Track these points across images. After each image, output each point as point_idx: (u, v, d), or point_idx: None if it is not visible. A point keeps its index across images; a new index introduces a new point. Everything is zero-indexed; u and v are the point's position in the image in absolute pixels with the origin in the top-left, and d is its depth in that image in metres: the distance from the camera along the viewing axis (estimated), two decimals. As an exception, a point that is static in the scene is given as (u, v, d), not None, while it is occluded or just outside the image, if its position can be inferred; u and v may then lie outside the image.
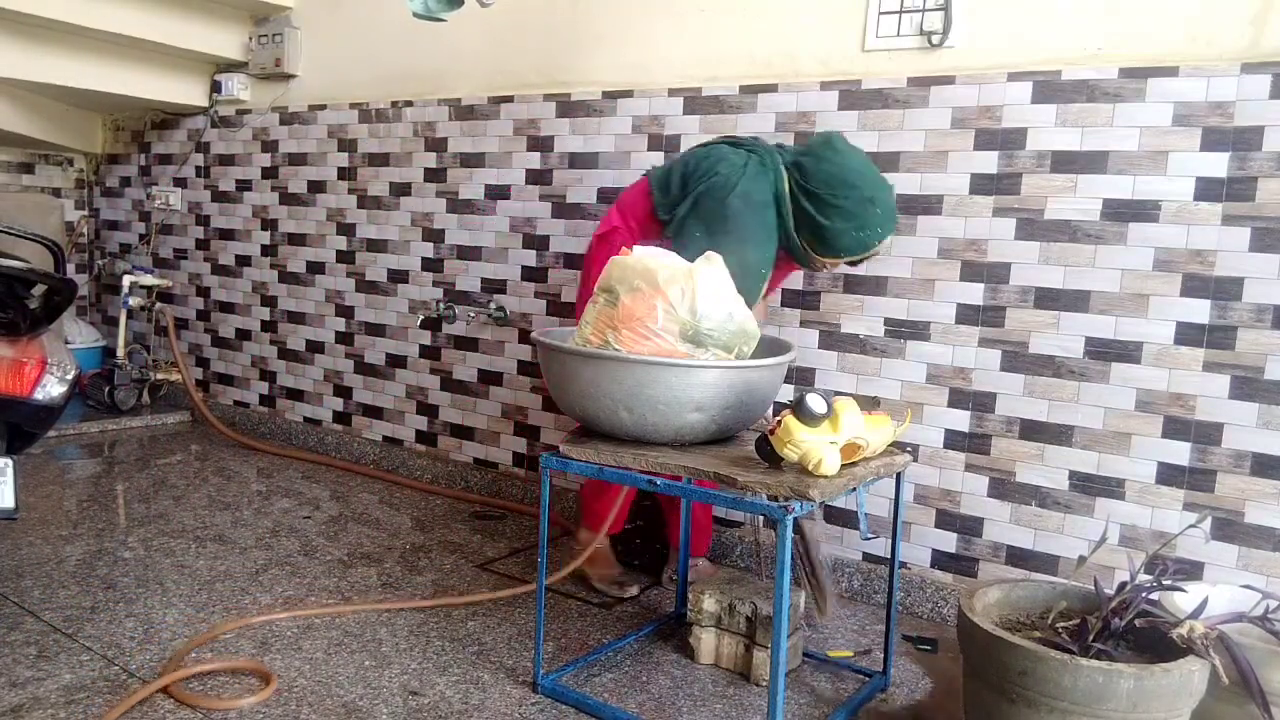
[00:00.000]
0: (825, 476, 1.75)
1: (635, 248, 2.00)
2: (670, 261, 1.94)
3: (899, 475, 2.06)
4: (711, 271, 1.92)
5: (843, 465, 1.81)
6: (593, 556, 2.63)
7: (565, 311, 3.25)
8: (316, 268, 3.98)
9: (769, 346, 2.08)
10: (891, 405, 2.62)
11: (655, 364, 1.83)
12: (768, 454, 1.81)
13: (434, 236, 3.58)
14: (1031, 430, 2.45)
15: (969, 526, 2.55)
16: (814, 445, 1.75)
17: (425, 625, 2.40)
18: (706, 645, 2.27)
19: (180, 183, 4.46)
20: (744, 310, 1.96)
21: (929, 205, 2.55)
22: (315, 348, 4.02)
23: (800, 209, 2.29)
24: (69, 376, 2.32)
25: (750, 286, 2.24)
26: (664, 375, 1.83)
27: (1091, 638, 1.69)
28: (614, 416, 1.91)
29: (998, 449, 2.50)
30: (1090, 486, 2.39)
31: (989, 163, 2.47)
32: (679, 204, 2.36)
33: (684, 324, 1.86)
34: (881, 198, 2.26)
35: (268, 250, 4.15)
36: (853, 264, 2.37)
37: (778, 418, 1.79)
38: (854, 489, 1.84)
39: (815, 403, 1.74)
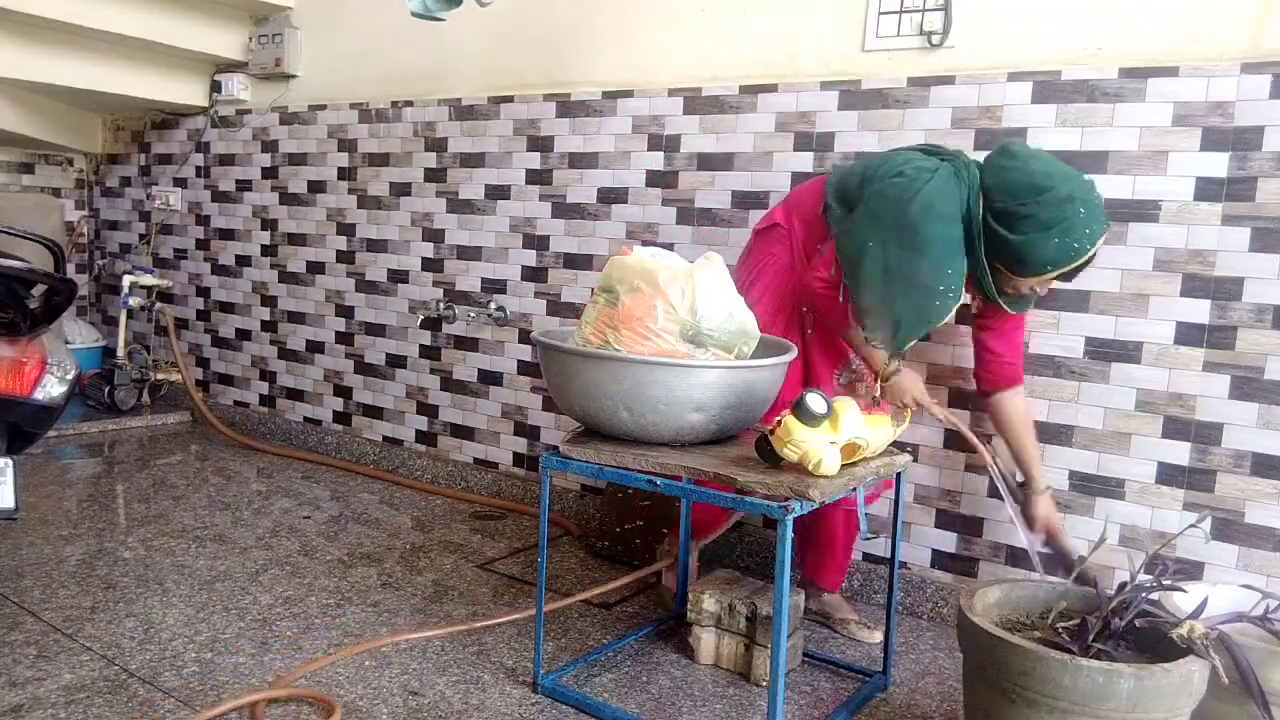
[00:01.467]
0: (825, 476, 1.75)
1: (635, 248, 1.99)
2: (670, 262, 1.93)
3: (899, 475, 2.07)
4: (711, 272, 1.92)
5: (843, 465, 1.81)
6: (675, 565, 2.58)
7: (565, 311, 3.25)
8: (316, 268, 3.98)
9: (769, 346, 2.09)
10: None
11: (655, 364, 1.83)
12: (767, 454, 1.81)
13: (434, 236, 3.58)
14: (1031, 430, 2.45)
15: (969, 526, 2.55)
16: (814, 445, 1.74)
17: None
18: (706, 645, 2.27)
19: (180, 183, 4.46)
20: (744, 310, 1.96)
21: (929, 205, 2.55)
22: (315, 348, 4.02)
23: (991, 232, 2.04)
24: (69, 376, 2.32)
25: (927, 306, 2.08)
26: (664, 375, 1.83)
27: (1091, 638, 1.69)
28: (614, 416, 1.91)
29: (997, 449, 2.50)
30: (1090, 486, 2.39)
31: (989, 163, 2.46)
32: (855, 204, 2.16)
33: (684, 324, 1.86)
34: (1082, 194, 1.98)
35: (268, 250, 4.15)
36: (1064, 278, 2.09)
37: (777, 418, 1.79)
38: (854, 489, 1.84)
39: (815, 403, 1.74)
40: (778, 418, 1.79)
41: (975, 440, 2.35)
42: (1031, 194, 1.98)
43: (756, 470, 1.81)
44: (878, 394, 2.30)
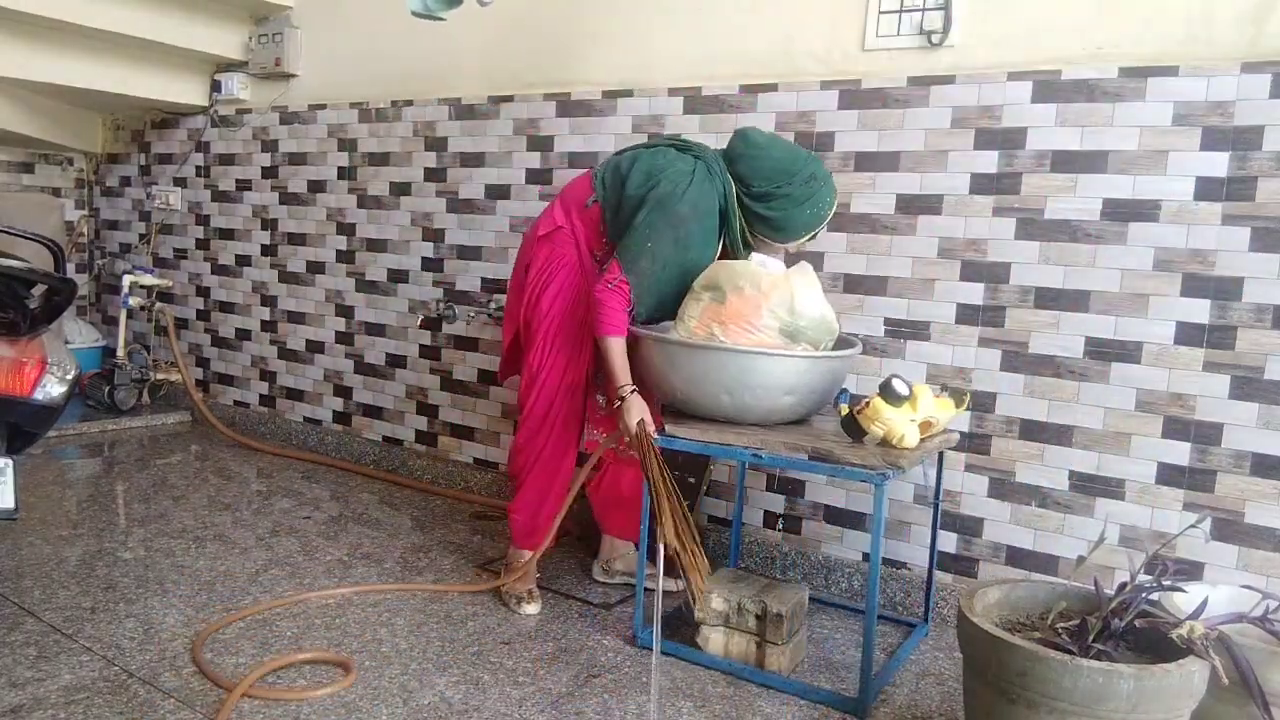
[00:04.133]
0: (908, 449, 2.08)
1: (755, 255, 2.34)
2: (773, 269, 2.24)
3: (940, 454, 2.43)
4: (806, 278, 2.21)
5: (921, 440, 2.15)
6: (517, 569, 2.59)
7: (565, 311, 3.24)
8: (316, 268, 3.98)
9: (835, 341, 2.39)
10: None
11: (758, 354, 2.15)
12: (853, 430, 2.14)
13: (434, 236, 3.58)
14: (1031, 430, 2.45)
15: (969, 526, 2.55)
16: (898, 422, 2.09)
17: (425, 625, 2.40)
18: (715, 644, 2.28)
19: (180, 182, 4.46)
20: (830, 310, 2.24)
21: (929, 205, 2.55)
22: (315, 348, 4.02)
23: (749, 210, 2.36)
24: (69, 376, 2.32)
25: (682, 287, 2.36)
26: (766, 364, 2.15)
27: (1091, 638, 1.69)
28: (715, 400, 2.21)
29: (998, 449, 2.50)
30: (1090, 486, 2.39)
31: (989, 162, 2.47)
32: (628, 206, 2.38)
33: (784, 322, 2.16)
34: (819, 171, 2.34)
35: (268, 250, 4.15)
36: (809, 239, 2.43)
37: (865, 399, 2.13)
38: (924, 460, 2.19)
39: (900, 386, 2.09)
40: (866, 399, 2.12)
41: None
42: (784, 177, 2.31)
43: (843, 445, 2.12)
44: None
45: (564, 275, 2.48)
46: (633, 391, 2.30)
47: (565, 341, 2.48)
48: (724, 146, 2.44)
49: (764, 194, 2.32)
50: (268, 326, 4.19)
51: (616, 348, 2.32)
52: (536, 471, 2.54)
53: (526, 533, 2.60)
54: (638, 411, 2.28)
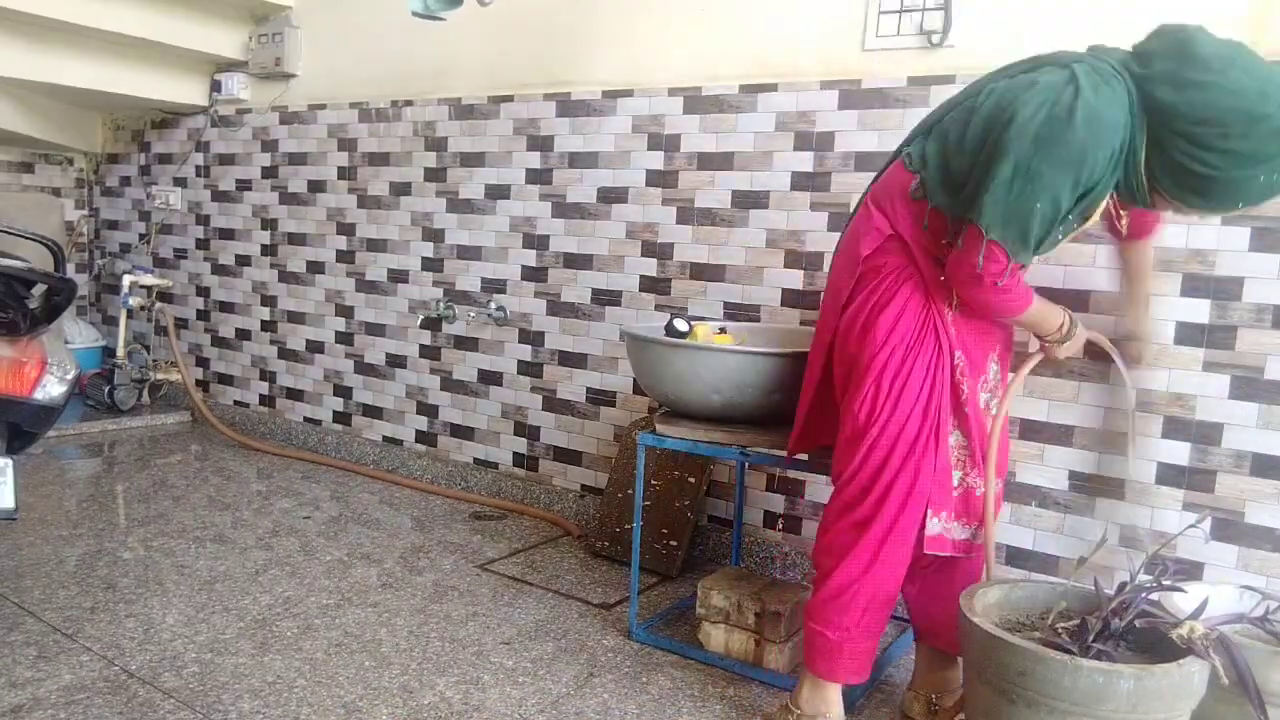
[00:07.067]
0: None
1: None
2: None
3: None
4: None
5: None
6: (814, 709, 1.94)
7: (565, 311, 3.25)
8: (316, 268, 3.98)
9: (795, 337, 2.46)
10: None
11: (748, 353, 2.20)
12: None
13: (434, 236, 3.58)
14: (1031, 430, 2.45)
15: (969, 526, 2.55)
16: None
17: (425, 626, 2.40)
18: (716, 641, 2.28)
19: (180, 182, 4.46)
20: None
21: (929, 205, 2.55)
22: (315, 348, 4.02)
23: (1161, 151, 1.60)
24: (69, 376, 2.32)
25: (1053, 234, 1.67)
26: (755, 362, 2.17)
27: (1091, 638, 1.68)
28: (705, 399, 2.22)
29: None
30: (1090, 486, 2.39)
31: (989, 162, 2.46)
32: (981, 162, 1.66)
33: None
34: None
35: (268, 250, 4.15)
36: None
37: None
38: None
39: (680, 324, 2.34)
40: None
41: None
42: (1240, 124, 1.51)
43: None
44: (1057, 354, 1.99)
45: (905, 289, 1.82)
46: (1074, 327, 1.91)
47: (910, 381, 1.80)
48: (1123, 48, 1.71)
49: (1191, 136, 1.54)
50: (268, 326, 4.19)
51: (1038, 306, 1.83)
52: (850, 562, 1.83)
53: (828, 653, 1.88)
54: (1082, 338, 1.94)
